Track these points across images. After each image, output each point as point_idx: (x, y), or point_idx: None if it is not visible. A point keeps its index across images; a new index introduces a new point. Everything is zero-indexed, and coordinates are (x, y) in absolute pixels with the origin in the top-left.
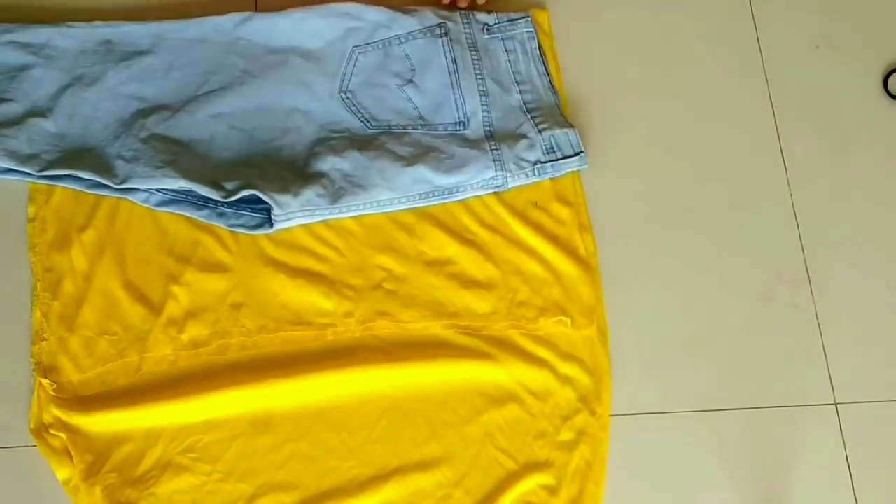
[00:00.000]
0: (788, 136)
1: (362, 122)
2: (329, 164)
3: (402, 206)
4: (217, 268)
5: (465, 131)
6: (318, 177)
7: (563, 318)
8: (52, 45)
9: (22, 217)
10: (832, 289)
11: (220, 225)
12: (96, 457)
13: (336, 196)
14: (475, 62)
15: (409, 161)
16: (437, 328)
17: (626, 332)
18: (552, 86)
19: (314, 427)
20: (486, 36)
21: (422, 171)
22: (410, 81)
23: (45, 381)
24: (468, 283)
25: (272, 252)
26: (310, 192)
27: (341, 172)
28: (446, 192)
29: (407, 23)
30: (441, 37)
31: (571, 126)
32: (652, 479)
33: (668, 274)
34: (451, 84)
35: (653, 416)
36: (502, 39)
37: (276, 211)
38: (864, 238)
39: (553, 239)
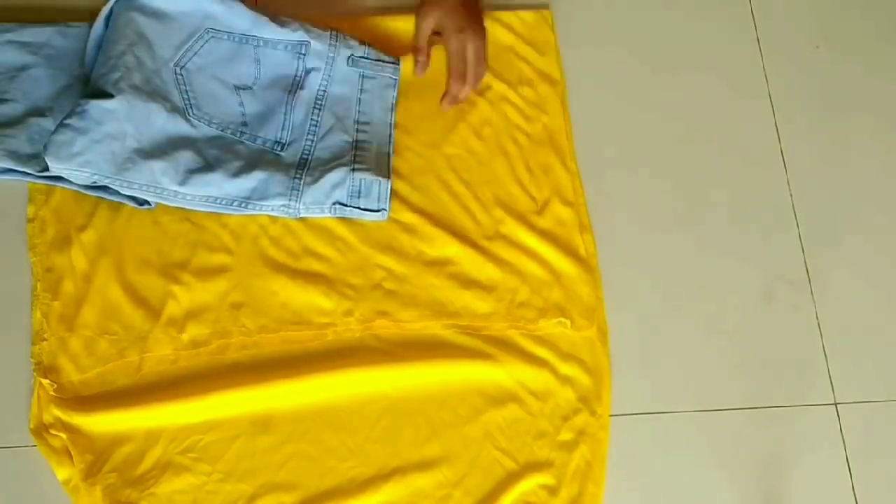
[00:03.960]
0: (788, 136)
1: (183, 103)
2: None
3: (183, 204)
4: (217, 267)
5: (282, 153)
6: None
7: (563, 320)
8: (52, 45)
9: (22, 217)
10: (832, 289)
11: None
12: (96, 457)
13: (122, 165)
14: (321, 91)
15: (210, 164)
16: (436, 328)
17: (626, 332)
18: (391, 138)
19: (314, 427)
20: (348, 67)
21: (216, 176)
22: (249, 88)
23: (45, 381)
24: (468, 283)
25: (272, 252)
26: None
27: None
28: (235, 203)
29: (272, 31)
30: (299, 56)
31: (388, 177)
32: (652, 479)
33: (668, 274)
34: (286, 104)
35: (653, 416)
36: (362, 76)
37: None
38: (864, 238)
39: (553, 239)
